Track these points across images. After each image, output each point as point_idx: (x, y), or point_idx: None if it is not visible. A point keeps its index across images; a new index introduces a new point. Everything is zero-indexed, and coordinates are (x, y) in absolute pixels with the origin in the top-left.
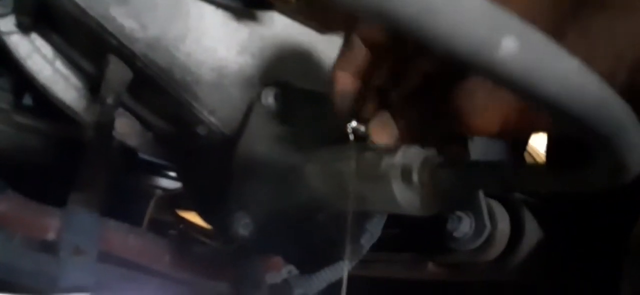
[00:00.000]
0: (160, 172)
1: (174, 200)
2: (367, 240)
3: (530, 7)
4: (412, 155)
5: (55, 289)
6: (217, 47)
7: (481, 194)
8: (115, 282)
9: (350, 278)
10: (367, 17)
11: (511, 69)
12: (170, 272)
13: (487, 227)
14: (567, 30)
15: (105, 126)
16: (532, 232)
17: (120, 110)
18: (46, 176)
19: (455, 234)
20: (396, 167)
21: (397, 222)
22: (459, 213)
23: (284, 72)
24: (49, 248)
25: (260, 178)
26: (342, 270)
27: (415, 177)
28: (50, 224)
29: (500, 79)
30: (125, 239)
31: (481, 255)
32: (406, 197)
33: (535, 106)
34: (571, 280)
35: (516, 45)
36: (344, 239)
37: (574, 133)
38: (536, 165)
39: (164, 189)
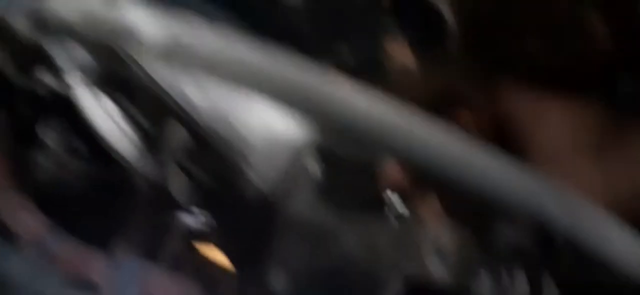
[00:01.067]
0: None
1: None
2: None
3: (578, 128)
4: (446, 230)
5: None
6: (267, 115)
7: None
8: None
9: None
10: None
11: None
12: None
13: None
14: (609, 153)
15: (160, 186)
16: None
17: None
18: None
19: None
20: (429, 238)
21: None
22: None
23: (325, 137)
24: (92, 290)
25: (299, 238)
26: None
27: (447, 249)
28: (95, 266)
29: None
30: (164, 285)
31: None
32: (438, 268)
33: None
34: None
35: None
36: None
37: None
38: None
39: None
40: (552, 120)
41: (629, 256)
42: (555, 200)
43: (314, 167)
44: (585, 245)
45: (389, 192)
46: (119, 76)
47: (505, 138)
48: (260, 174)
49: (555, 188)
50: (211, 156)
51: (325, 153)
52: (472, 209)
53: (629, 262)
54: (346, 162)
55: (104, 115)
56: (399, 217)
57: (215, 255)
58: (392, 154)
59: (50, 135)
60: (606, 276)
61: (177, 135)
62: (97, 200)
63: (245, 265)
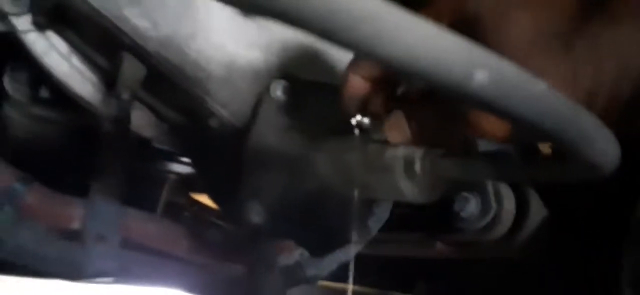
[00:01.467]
0: (173, 157)
1: (187, 184)
2: (375, 222)
3: (541, 21)
4: (414, 148)
5: (81, 275)
6: (226, 43)
7: None
8: (137, 267)
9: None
10: (359, 55)
11: (484, 97)
12: (188, 256)
13: (493, 207)
14: (576, 42)
15: (122, 120)
16: (537, 211)
17: (137, 104)
18: (63, 166)
19: (463, 214)
20: (399, 158)
21: (405, 204)
22: (465, 194)
23: (292, 65)
24: (74, 237)
25: (271, 168)
26: (351, 254)
27: (417, 168)
28: (74, 213)
29: (477, 105)
30: (144, 226)
31: (487, 234)
32: (408, 187)
33: (513, 124)
34: (574, 258)
35: (487, 76)
36: (352, 223)
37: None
38: (529, 158)
39: (177, 174)
40: (516, 16)
41: (606, 151)
42: (532, 95)
43: (280, 93)
44: (567, 144)
45: (358, 115)
46: (67, 12)
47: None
48: (224, 103)
49: (529, 82)
50: (170, 88)
51: (291, 78)
52: (445, 121)
53: (605, 157)
54: (312, 87)
55: (59, 58)
56: (369, 138)
57: (190, 192)
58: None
59: (11, 86)
60: (583, 173)
61: (134, 69)
62: (68, 147)
63: (219, 200)
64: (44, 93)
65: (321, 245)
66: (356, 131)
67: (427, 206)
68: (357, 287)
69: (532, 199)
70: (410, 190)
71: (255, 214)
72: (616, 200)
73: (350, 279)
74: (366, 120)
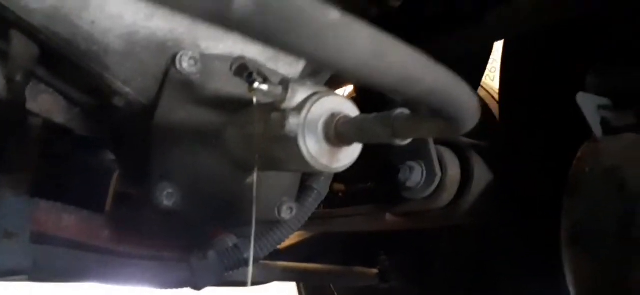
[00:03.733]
0: None
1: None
2: (315, 198)
3: None
4: (316, 112)
5: None
6: (123, 13)
7: (431, 143)
8: (53, 262)
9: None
10: None
11: (253, 27)
12: (111, 247)
13: (438, 175)
14: None
15: (17, 105)
16: (482, 175)
17: (43, 87)
18: None
19: (408, 184)
20: (301, 126)
21: (351, 177)
22: (410, 163)
23: (199, 35)
24: None
25: (182, 145)
26: (292, 230)
27: (320, 135)
28: None
29: (248, 34)
30: (58, 218)
31: (434, 202)
32: (314, 154)
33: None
34: (519, 218)
35: (250, 2)
36: (277, 200)
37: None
38: (414, 116)
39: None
40: None
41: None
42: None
43: (187, 65)
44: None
45: (256, 83)
46: None
47: None
48: (126, 79)
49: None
50: (70, 67)
51: (198, 49)
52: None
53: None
54: (218, 58)
55: None
56: (269, 108)
57: (102, 176)
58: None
59: None
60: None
61: (24, 47)
62: None
63: (136, 185)
64: None
65: (244, 225)
66: (254, 99)
67: (374, 179)
68: (322, 265)
69: (476, 163)
70: (315, 158)
71: (167, 197)
72: (555, 160)
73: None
74: (264, 87)
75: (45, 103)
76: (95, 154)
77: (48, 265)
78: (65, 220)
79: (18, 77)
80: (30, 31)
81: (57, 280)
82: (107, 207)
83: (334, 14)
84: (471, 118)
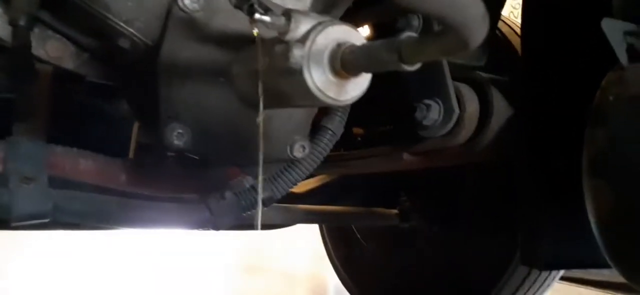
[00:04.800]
0: None
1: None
2: (330, 139)
3: None
4: (321, 42)
5: (11, 218)
6: None
7: (448, 79)
8: (72, 206)
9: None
10: None
11: None
12: (129, 189)
13: (456, 111)
14: None
15: (23, 51)
16: (501, 110)
17: (50, 32)
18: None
19: (425, 122)
20: (306, 58)
21: (370, 120)
22: (426, 101)
23: None
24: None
25: (189, 85)
26: (307, 170)
27: (326, 66)
28: None
29: None
30: (75, 162)
31: (452, 139)
32: (320, 86)
33: None
34: (540, 153)
35: None
36: (289, 138)
37: None
38: (420, 39)
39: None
40: None
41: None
42: None
43: (189, 2)
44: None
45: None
46: None
47: None
48: (128, 19)
49: None
50: (73, 9)
51: None
52: None
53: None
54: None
55: None
56: (273, 41)
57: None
58: None
59: None
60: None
61: None
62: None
63: (148, 127)
64: None
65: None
66: (256, 31)
67: (392, 120)
68: (343, 207)
69: (496, 98)
70: (322, 90)
71: (177, 137)
72: (576, 92)
73: None
74: (266, 18)
75: (54, 49)
76: (113, 102)
77: (68, 208)
78: (82, 164)
79: (21, 22)
80: None
81: (78, 224)
82: (131, 154)
83: None
84: (478, 28)
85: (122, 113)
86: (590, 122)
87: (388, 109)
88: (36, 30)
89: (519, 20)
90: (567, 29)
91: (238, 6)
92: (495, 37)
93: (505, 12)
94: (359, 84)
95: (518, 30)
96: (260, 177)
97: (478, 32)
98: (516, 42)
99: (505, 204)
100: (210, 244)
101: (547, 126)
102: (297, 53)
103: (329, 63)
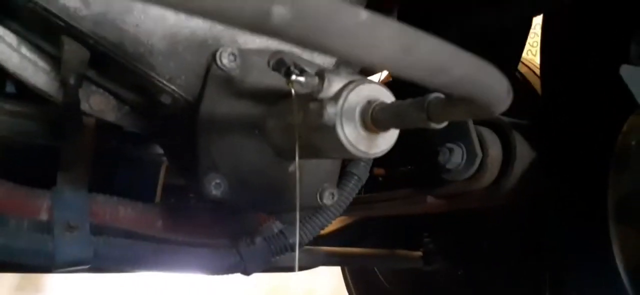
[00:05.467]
0: None
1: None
2: (355, 184)
3: None
4: (352, 100)
5: (54, 265)
6: (165, 14)
7: (471, 122)
8: (112, 252)
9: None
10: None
11: (290, 33)
12: (165, 236)
13: (479, 155)
14: None
15: (72, 106)
16: (524, 153)
17: (94, 88)
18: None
19: (448, 166)
20: (338, 115)
21: (391, 161)
22: (449, 145)
23: (235, 31)
24: (44, 228)
25: (226, 137)
26: (334, 215)
27: (357, 122)
28: (41, 205)
29: (287, 39)
30: (115, 210)
31: (476, 182)
32: (352, 141)
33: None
34: (564, 195)
35: (287, 11)
36: (318, 186)
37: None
38: (448, 100)
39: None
40: None
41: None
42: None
43: (227, 61)
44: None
45: (293, 75)
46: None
47: None
48: (171, 76)
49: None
50: (118, 68)
51: (236, 45)
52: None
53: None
54: (258, 53)
55: (8, 49)
56: (307, 98)
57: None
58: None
59: None
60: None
61: (76, 52)
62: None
63: (187, 177)
64: (10, 88)
65: (288, 210)
66: (293, 91)
67: (413, 162)
68: (365, 249)
69: (518, 141)
70: (354, 145)
71: (215, 187)
72: (600, 133)
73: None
74: (302, 78)
75: (97, 103)
76: (142, 148)
77: (107, 255)
78: (122, 212)
79: (71, 81)
80: (80, 36)
81: (115, 269)
82: (157, 197)
83: (364, 14)
84: (502, 102)
85: (151, 157)
86: (613, 167)
87: (410, 151)
88: (82, 86)
89: (535, 59)
90: (585, 73)
91: (276, 69)
92: (515, 79)
93: None
94: (388, 138)
95: (536, 71)
96: (298, 223)
97: (503, 105)
98: (535, 82)
99: (530, 247)
100: None
101: (570, 170)
102: (330, 110)
103: (360, 119)
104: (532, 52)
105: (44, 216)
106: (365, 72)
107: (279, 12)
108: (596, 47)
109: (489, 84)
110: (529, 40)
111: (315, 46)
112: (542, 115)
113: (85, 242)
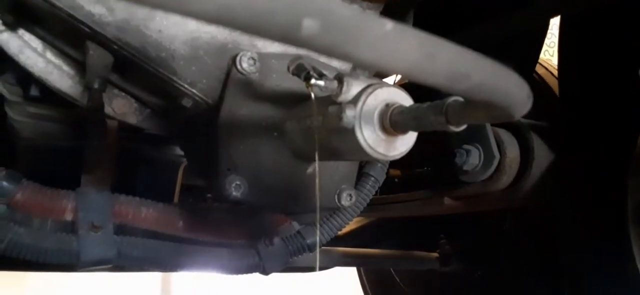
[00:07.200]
0: None
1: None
2: (372, 185)
3: None
4: (371, 104)
5: (79, 264)
6: (187, 20)
7: (488, 125)
8: (134, 251)
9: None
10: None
11: (319, 44)
12: (186, 235)
13: (496, 157)
14: None
15: (95, 109)
16: (542, 155)
17: (117, 91)
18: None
19: (465, 167)
20: (357, 118)
21: (408, 162)
22: (466, 146)
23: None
24: (68, 228)
25: (246, 140)
26: (351, 216)
27: (376, 125)
28: (66, 206)
29: (316, 50)
30: (137, 210)
31: (493, 184)
32: (371, 144)
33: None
34: (581, 197)
35: (316, 23)
36: (336, 188)
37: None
38: (466, 104)
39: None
40: None
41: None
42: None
43: (246, 65)
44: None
45: (313, 79)
46: (32, 8)
47: None
48: (192, 81)
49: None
50: (141, 72)
51: (256, 49)
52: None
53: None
54: (277, 56)
55: (34, 55)
56: (326, 101)
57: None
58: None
59: (5, 88)
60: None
61: (100, 57)
62: (67, 138)
63: (206, 179)
64: (35, 91)
65: (306, 211)
66: (312, 95)
67: (430, 164)
68: (381, 250)
69: (536, 143)
70: (373, 147)
71: (235, 188)
72: (619, 138)
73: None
74: (321, 82)
75: (120, 106)
76: (161, 149)
77: (130, 254)
78: (144, 212)
79: (95, 85)
80: (104, 42)
81: (136, 268)
82: (175, 197)
83: (388, 25)
84: (522, 106)
85: (169, 158)
86: (633, 171)
87: (427, 152)
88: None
89: (552, 59)
90: (604, 74)
91: (296, 73)
92: (533, 80)
93: None
94: (407, 141)
95: (554, 71)
96: (318, 223)
97: (523, 109)
98: (552, 83)
99: (548, 249)
100: None
101: (588, 173)
102: (349, 113)
103: (379, 122)
104: (549, 53)
105: (68, 216)
106: (380, 75)
107: (309, 25)
108: (615, 48)
109: (509, 89)
110: (546, 40)
111: (343, 56)
112: (560, 117)
113: (109, 242)
